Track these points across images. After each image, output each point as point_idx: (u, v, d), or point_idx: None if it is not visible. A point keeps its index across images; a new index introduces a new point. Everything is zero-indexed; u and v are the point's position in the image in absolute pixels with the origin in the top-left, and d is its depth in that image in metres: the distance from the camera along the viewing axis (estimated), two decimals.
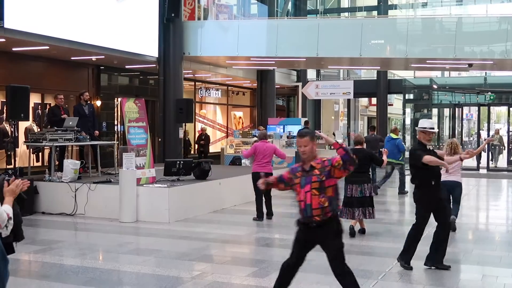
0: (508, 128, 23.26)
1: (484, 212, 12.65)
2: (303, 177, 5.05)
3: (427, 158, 6.90)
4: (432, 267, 7.06)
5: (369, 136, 17.04)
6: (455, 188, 9.50)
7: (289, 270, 5.33)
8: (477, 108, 27.96)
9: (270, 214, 10.76)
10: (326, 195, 4.96)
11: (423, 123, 7.28)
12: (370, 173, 10.39)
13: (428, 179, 7.00)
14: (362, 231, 9.40)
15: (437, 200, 7.08)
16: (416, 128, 7.55)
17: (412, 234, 7.11)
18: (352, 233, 9.14)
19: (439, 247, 7.06)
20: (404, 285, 6.46)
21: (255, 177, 10.38)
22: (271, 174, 10.47)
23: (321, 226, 5.02)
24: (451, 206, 9.45)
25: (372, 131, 17.40)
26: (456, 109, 25.37)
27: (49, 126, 13.02)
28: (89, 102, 13.69)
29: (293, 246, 5.28)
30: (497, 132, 21.07)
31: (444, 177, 8.40)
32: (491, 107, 26.24)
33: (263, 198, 10.65)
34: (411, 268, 7.03)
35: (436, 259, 7.08)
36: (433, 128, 7.18)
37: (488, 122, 24.33)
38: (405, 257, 7.09)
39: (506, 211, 12.91)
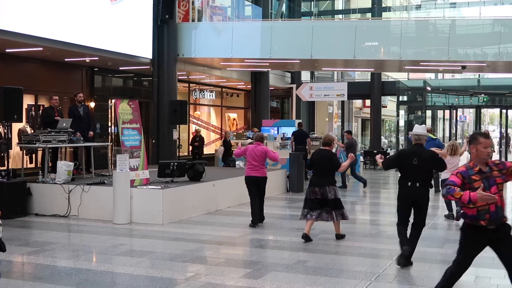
0: (501, 130, 23.38)
1: None
2: (484, 179, 4.88)
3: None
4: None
5: (351, 140, 17.16)
6: None
7: (456, 277, 5.31)
8: (475, 109, 28.03)
9: (261, 218, 10.50)
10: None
11: (418, 129, 7.73)
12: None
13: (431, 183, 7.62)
14: (338, 236, 9.03)
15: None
16: (410, 132, 7.88)
17: (398, 230, 7.62)
18: (307, 238, 8.78)
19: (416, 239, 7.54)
20: (398, 286, 6.48)
21: (248, 181, 10.40)
22: (265, 178, 10.41)
23: (498, 228, 4.96)
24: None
25: (349, 135, 17.55)
26: (450, 111, 25.49)
27: (42, 127, 13.00)
28: (83, 103, 13.67)
29: (464, 254, 5.25)
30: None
31: (446, 174, 9.43)
32: (485, 109, 26.37)
33: (258, 201, 10.38)
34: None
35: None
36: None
37: (479, 124, 24.44)
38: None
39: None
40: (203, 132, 22.82)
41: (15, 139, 13.97)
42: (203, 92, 24.53)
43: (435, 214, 12.07)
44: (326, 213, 8.86)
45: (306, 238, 8.83)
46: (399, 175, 7.68)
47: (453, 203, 10.76)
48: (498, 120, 30.10)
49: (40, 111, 15.10)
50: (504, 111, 26.23)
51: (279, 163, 13.90)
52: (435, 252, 8.22)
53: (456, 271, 5.24)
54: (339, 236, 9.06)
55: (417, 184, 7.35)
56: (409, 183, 7.40)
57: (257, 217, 10.27)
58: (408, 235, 7.55)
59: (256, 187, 10.35)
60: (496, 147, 24.30)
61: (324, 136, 9.79)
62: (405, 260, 7.34)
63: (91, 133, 13.54)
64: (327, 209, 8.83)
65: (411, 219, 7.63)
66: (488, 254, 8.18)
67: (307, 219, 8.91)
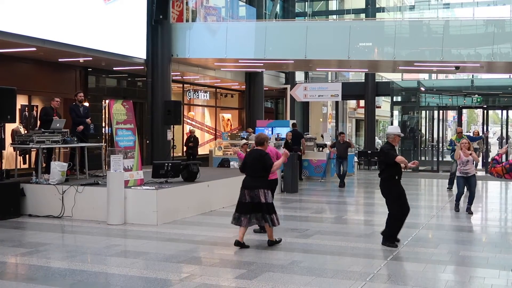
0: (483, 129, 23.38)
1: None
2: None
3: (399, 158, 8.43)
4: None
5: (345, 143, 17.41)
6: (471, 178, 11.88)
7: None
8: (482, 111, 28.05)
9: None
10: None
11: (396, 129, 9.07)
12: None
13: (394, 175, 8.48)
14: (271, 242, 8.49)
15: (400, 192, 8.54)
16: (390, 132, 8.88)
17: (393, 221, 8.58)
18: (240, 244, 8.36)
19: (393, 224, 8.55)
20: (392, 286, 6.48)
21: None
22: (276, 180, 10.07)
23: None
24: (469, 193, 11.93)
25: (343, 136, 17.96)
26: (444, 111, 25.54)
27: (37, 127, 12.95)
28: (83, 103, 13.68)
29: None
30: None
31: (458, 172, 11.94)
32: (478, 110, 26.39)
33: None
34: (396, 246, 8.47)
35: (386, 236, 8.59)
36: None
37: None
38: (390, 239, 8.57)
39: (492, 213, 13.00)
40: (197, 133, 22.80)
41: (8, 140, 13.91)
42: (197, 92, 24.51)
43: (429, 215, 12.11)
44: (256, 218, 8.33)
45: (239, 244, 8.35)
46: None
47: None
48: (494, 121, 30.14)
49: (39, 109, 15.02)
50: (488, 111, 26.37)
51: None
52: (430, 252, 8.23)
53: None
54: (272, 242, 8.48)
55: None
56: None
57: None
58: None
59: None
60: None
61: (256, 135, 8.98)
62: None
63: (89, 120, 13.52)
64: (258, 213, 8.28)
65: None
66: (482, 254, 8.23)
67: (239, 226, 8.40)
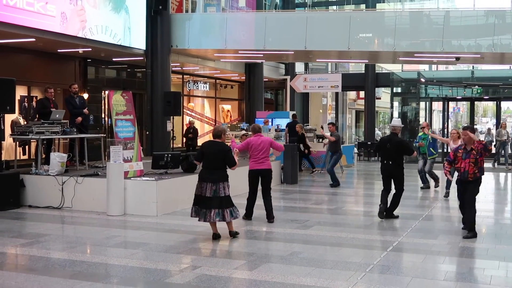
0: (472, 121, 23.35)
1: None
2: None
3: (415, 153, 10.93)
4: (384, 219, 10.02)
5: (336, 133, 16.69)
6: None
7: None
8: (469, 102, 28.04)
9: (270, 218, 9.83)
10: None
11: (400, 122, 11.06)
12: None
13: (402, 161, 10.49)
14: (232, 233, 8.47)
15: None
16: (396, 125, 10.63)
17: (399, 198, 10.32)
18: (216, 237, 8.38)
19: (395, 201, 10.30)
20: (392, 277, 6.49)
21: (252, 175, 9.95)
22: (270, 170, 9.96)
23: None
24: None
25: (333, 127, 17.26)
26: (444, 102, 25.54)
27: (36, 118, 12.93)
28: (78, 94, 13.63)
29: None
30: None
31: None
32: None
33: (261, 198, 9.92)
34: (397, 216, 10.24)
35: (388, 213, 10.20)
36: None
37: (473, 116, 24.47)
38: (394, 216, 10.28)
39: (493, 204, 13.01)
40: (197, 124, 22.78)
41: (7, 131, 13.90)
42: (197, 83, 24.48)
43: (429, 206, 12.11)
44: (211, 212, 8.18)
45: (215, 236, 8.39)
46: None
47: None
48: (492, 112, 30.10)
49: (35, 102, 15.02)
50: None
51: (274, 154, 13.84)
52: (429, 243, 8.24)
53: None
54: (233, 233, 8.48)
55: (390, 162, 10.18)
56: (385, 161, 10.30)
57: (251, 213, 10.01)
58: (391, 201, 10.31)
59: (260, 181, 9.91)
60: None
61: (215, 127, 8.99)
62: (381, 214, 10.16)
63: (86, 110, 13.49)
64: (216, 207, 8.18)
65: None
66: (482, 245, 8.24)
67: (199, 220, 8.32)
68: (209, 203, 8.17)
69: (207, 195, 8.18)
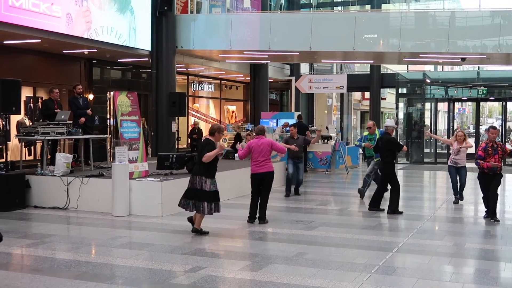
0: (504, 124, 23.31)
1: (473, 206, 12.68)
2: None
3: (405, 148, 11.91)
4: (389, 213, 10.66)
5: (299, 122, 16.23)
6: (461, 170, 12.09)
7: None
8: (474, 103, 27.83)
9: (262, 219, 9.78)
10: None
11: (393, 123, 11.56)
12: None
13: (393, 159, 11.18)
14: (195, 230, 8.73)
15: (395, 171, 11.31)
16: (390, 125, 11.26)
17: (396, 193, 10.79)
18: (193, 231, 8.71)
19: (397, 196, 10.79)
20: (398, 278, 6.47)
21: (253, 178, 9.88)
22: (271, 172, 9.85)
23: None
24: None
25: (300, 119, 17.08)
26: (449, 103, 25.44)
27: (41, 120, 12.95)
28: (82, 95, 13.64)
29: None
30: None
31: (452, 159, 12.13)
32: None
33: (258, 200, 9.87)
34: (401, 212, 10.74)
35: (392, 208, 10.72)
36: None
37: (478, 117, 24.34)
38: (397, 211, 10.76)
39: (499, 205, 12.94)
40: (202, 125, 22.80)
41: (13, 131, 13.94)
42: (202, 84, 24.49)
43: (434, 207, 12.07)
44: (194, 204, 8.58)
45: (195, 231, 8.71)
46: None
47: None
48: (498, 112, 29.98)
49: (40, 103, 15.05)
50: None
51: (279, 155, 13.82)
52: (435, 245, 8.22)
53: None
54: (196, 230, 8.70)
55: (381, 159, 11.16)
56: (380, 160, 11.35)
57: (255, 215, 9.89)
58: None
59: (261, 184, 9.83)
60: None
61: (212, 124, 9.32)
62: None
63: (89, 111, 13.48)
64: (201, 200, 8.52)
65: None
66: (488, 247, 8.21)
67: (185, 209, 8.75)
68: (195, 196, 8.58)
69: (195, 188, 8.60)
